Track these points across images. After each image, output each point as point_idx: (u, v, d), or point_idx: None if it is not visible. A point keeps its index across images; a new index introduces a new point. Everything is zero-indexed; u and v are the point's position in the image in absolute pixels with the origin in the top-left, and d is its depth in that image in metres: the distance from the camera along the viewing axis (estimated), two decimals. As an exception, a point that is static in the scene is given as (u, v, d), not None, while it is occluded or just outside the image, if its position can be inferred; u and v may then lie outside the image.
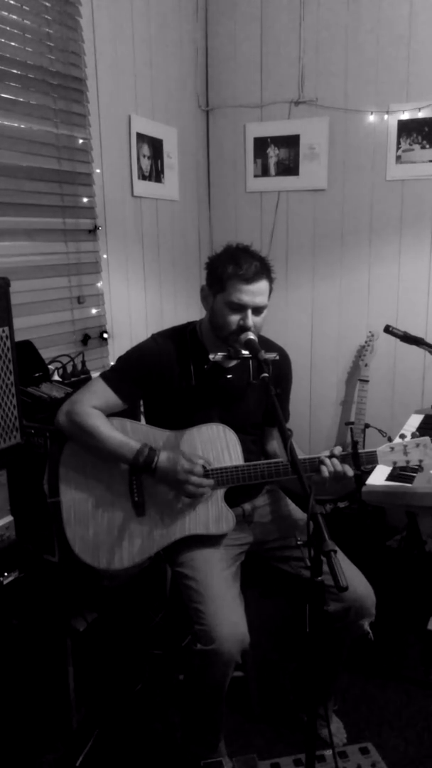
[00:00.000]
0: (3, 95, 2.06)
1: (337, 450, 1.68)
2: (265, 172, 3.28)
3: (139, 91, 2.75)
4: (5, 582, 1.73)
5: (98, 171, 2.51)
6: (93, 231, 2.50)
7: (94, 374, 2.05)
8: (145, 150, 2.80)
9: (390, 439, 1.78)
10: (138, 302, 2.88)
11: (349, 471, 1.67)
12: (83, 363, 2.33)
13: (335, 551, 1.18)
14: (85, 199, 2.45)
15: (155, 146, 2.87)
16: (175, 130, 3.04)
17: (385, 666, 2.32)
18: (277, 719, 2.09)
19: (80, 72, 2.36)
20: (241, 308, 1.69)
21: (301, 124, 3.15)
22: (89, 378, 2.23)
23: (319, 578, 1.27)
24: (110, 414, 1.76)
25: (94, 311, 2.56)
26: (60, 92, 2.28)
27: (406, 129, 2.95)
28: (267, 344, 1.88)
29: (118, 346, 2.61)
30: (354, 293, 3.23)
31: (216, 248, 2.10)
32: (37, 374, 2.07)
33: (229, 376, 1.84)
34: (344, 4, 2.96)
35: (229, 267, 1.69)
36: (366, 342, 3.12)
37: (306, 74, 3.10)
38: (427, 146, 2.93)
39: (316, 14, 3.02)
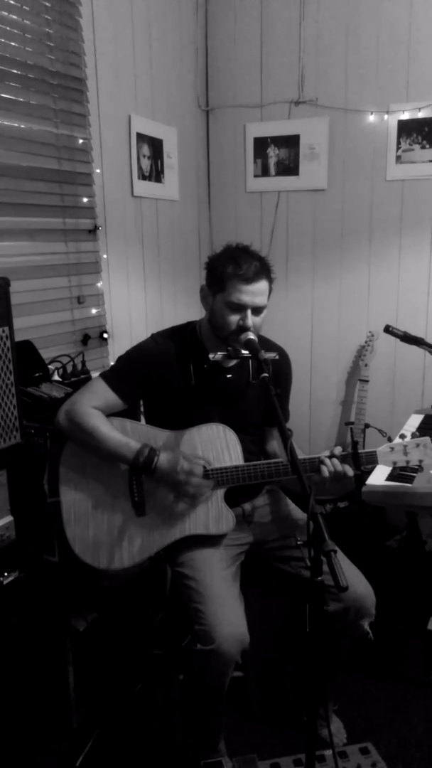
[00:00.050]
0: (3, 95, 2.06)
1: (337, 450, 1.68)
2: (265, 172, 3.28)
3: (139, 91, 2.75)
4: (5, 582, 1.73)
5: (98, 171, 2.51)
6: (93, 231, 2.50)
7: (94, 374, 2.05)
8: (145, 150, 2.80)
9: (390, 439, 1.78)
10: (138, 302, 2.88)
11: (349, 471, 1.67)
12: (83, 363, 2.33)
13: (335, 551, 1.18)
14: (85, 199, 2.45)
15: (155, 146, 2.87)
16: (175, 130, 3.04)
17: (385, 666, 2.31)
18: (277, 719, 2.09)
19: (80, 72, 2.36)
20: (240, 308, 1.69)
21: (301, 124, 3.15)
22: (89, 378, 2.23)
23: (319, 578, 1.27)
24: (110, 414, 1.76)
25: (94, 311, 2.56)
26: (60, 92, 2.28)
27: (406, 129, 2.95)
28: (267, 344, 1.88)
29: (118, 346, 2.61)
30: (354, 293, 3.23)
31: (216, 248, 2.10)
32: (37, 374, 2.07)
33: (228, 376, 1.84)
34: (344, 4, 2.96)
35: (229, 267, 1.69)
36: (366, 342, 3.12)
37: (306, 74, 3.10)
38: (427, 146, 2.93)
39: (316, 14, 3.02)
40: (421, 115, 2.89)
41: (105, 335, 2.60)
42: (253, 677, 2.08)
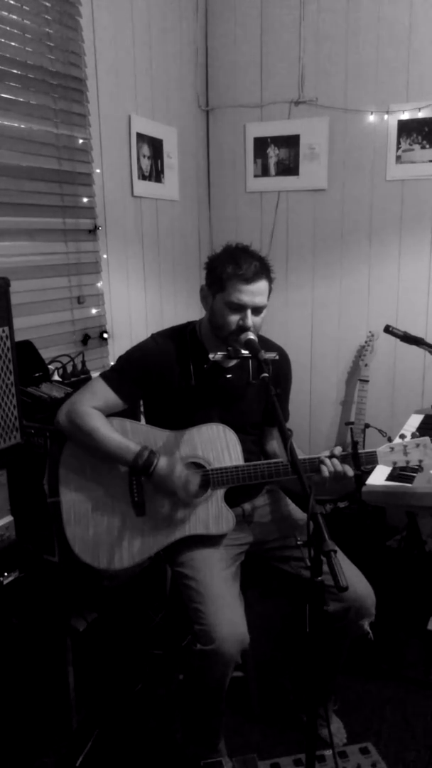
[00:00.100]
0: (3, 95, 2.06)
1: (337, 450, 1.68)
2: (265, 172, 3.28)
3: (139, 91, 2.75)
4: (5, 582, 1.73)
5: (98, 171, 2.51)
6: (93, 231, 2.50)
7: (94, 374, 2.05)
8: (145, 150, 2.80)
9: (390, 439, 1.78)
10: (138, 302, 2.88)
11: (349, 471, 1.67)
12: (83, 363, 2.33)
13: (335, 551, 1.18)
14: (85, 199, 2.45)
15: (155, 146, 2.87)
16: (175, 130, 3.04)
17: (385, 666, 2.31)
18: (277, 719, 2.09)
19: (80, 72, 2.36)
20: (240, 308, 1.69)
21: (301, 124, 3.15)
22: (89, 378, 2.23)
23: (319, 578, 1.27)
24: (110, 414, 1.76)
25: (94, 311, 2.56)
26: (60, 92, 2.28)
27: (406, 129, 2.95)
28: (267, 344, 1.88)
29: (118, 346, 2.61)
30: (354, 293, 3.23)
31: (216, 248, 2.10)
32: (37, 374, 2.07)
33: (228, 376, 1.84)
34: (344, 4, 2.96)
35: (229, 267, 1.69)
36: (366, 342, 3.12)
37: (306, 74, 3.10)
38: (427, 146, 2.93)
39: (316, 14, 3.02)
40: (421, 115, 2.90)
41: (105, 335, 2.60)
42: (253, 677, 2.08)
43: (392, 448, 1.73)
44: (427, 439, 1.72)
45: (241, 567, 1.84)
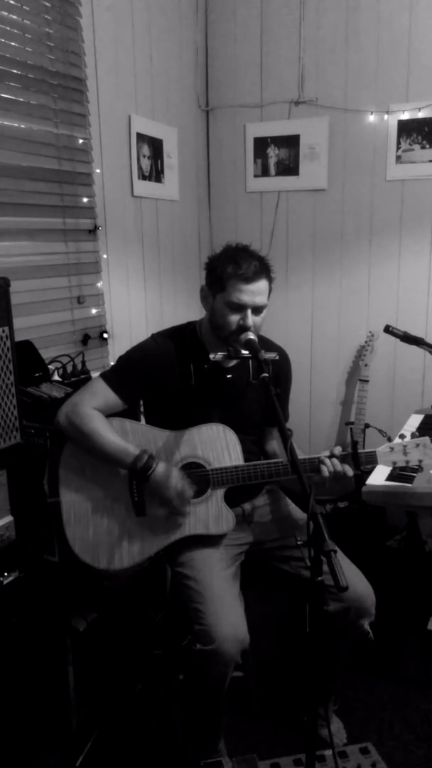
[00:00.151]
0: (3, 95, 2.06)
1: (337, 450, 1.68)
2: (265, 172, 3.28)
3: (139, 91, 2.75)
4: (5, 582, 1.73)
5: (98, 171, 2.51)
6: (93, 231, 2.50)
7: (94, 374, 2.05)
8: (145, 150, 2.80)
9: (390, 439, 1.78)
10: (138, 302, 2.88)
11: (349, 471, 1.67)
12: (83, 363, 2.33)
13: (335, 551, 1.18)
14: (85, 199, 2.45)
15: (155, 146, 2.87)
16: (175, 130, 3.04)
17: (385, 666, 2.31)
18: (277, 719, 2.09)
19: (80, 72, 2.36)
20: (240, 308, 1.69)
21: (301, 124, 3.15)
22: (89, 378, 2.23)
23: (319, 578, 1.26)
24: (110, 414, 1.76)
25: (94, 311, 2.56)
26: (60, 92, 2.28)
27: (406, 129, 2.95)
28: (267, 344, 1.88)
29: (118, 346, 2.61)
30: (354, 293, 3.23)
31: (216, 248, 2.10)
32: (37, 374, 2.07)
33: (229, 376, 1.84)
34: (344, 4, 2.96)
35: (229, 267, 1.69)
36: (366, 342, 3.12)
37: (306, 74, 3.10)
38: (427, 146, 2.93)
39: (316, 14, 3.02)
40: (421, 115, 2.89)
41: (105, 335, 2.60)
42: (253, 677, 2.08)
43: (392, 448, 1.73)
44: (426, 439, 1.72)
45: (241, 567, 1.84)
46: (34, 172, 2.22)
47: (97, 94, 2.47)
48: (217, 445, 1.76)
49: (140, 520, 1.75)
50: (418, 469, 1.98)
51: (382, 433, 2.81)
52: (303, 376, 3.37)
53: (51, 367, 2.20)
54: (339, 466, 1.66)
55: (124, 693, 2.16)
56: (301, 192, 3.24)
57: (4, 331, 1.59)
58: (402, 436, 1.76)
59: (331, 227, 3.22)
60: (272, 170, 3.26)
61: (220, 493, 1.76)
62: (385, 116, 2.97)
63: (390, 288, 3.15)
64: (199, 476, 1.75)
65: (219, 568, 1.73)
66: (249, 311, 1.69)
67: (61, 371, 2.25)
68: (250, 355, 1.65)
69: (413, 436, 1.75)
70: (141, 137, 2.76)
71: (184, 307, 3.20)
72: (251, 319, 1.70)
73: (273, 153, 3.24)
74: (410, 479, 1.99)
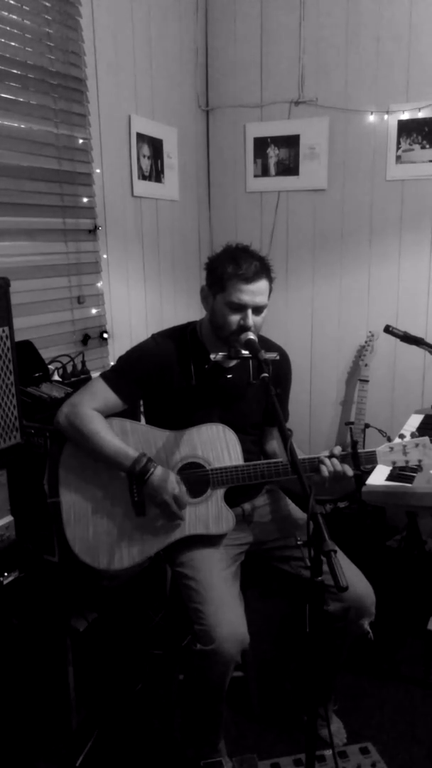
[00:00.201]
0: (3, 95, 2.06)
1: (337, 450, 1.68)
2: (265, 172, 3.28)
3: (139, 91, 2.75)
4: (5, 582, 1.73)
5: (98, 171, 2.51)
6: (93, 231, 2.50)
7: (94, 374, 2.05)
8: (145, 150, 2.80)
9: (389, 439, 1.78)
10: (138, 302, 2.88)
11: (349, 471, 1.67)
12: (83, 363, 2.33)
13: (335, 551, 1.18)
14: (85, 199, 2.45)
15: (155, 146, 2.87)
16: (175, 130, 3.04)
17: (385, 666, 2.31)
18: (277, 719, 2.09)
19: (80, 72, 2.36)
20: (241, 308, 1.69)
21: (301, 124, 3.15)
22: (89, 378, 2.23)
23: (319, 578, 1.26)
24: (110, 414, 1.76)
25: (94, 311, 2.56)
26: (60, 92, 2.28)
27: (406, 129, 2.95)
28: (267, 344, 1.88)
29: (118, 346, 2.61)
30: (354, 293, 3.23)
31: (216, 248, 2.10)
32: (37, 374, 2.07)
33: (229, 376, 1.84)
34: (344, 3, 2.96)
35: (229, 267, 1.68)
36: (366, 342, 3.12)
37: (306, 74, 3.10)
38: (427, 146, 2.93)
39: (316, 14, 3.02)
40: (421, 115, 2.89)
41: (105, 335, 2.60)
42: (253, 677, 2.08)
43: (391, 448, 1.73)
44: (426, 438, 1.72)
45: (241, 567, 1.84)
46: (34, 172, 2.22)
47: (97, 94, 2.47)
48: (217, 445, 1.76)
49: (140, 520, 1.75)
50: (418, 469, 1.98)
51: (382, 433, 2.81)
52: (303, 376, 3.37)
53: (51, 367, 2.20)
54: (339, 466, 1.66)
55: (124, 693, 2.16)
56: (301, 192, 3.24)
57: (4, 331, 1.59)
58: (401, 436, 1.76)
59: (331, 227, 3.22)
60: (272, 170, 3.26)
61: (220, 493, 1.76)
62: (385, 116, 2.97)
63: (390, 288, 3.15)
64: (199, 476, 1.75)
65: (219, 568, 1.73)
66: (249, 311, 1.69)
67: (61, 371, 2.25)
68: (250, 355, 1.65)
69: (413, 435, 1.75)
70: (141, 137, 2.76)
71: (184, 307, 3.20)
72: (252, 319, 1.69)
73: (273, 153, 3.24)
74: (410, 479, 1.99)
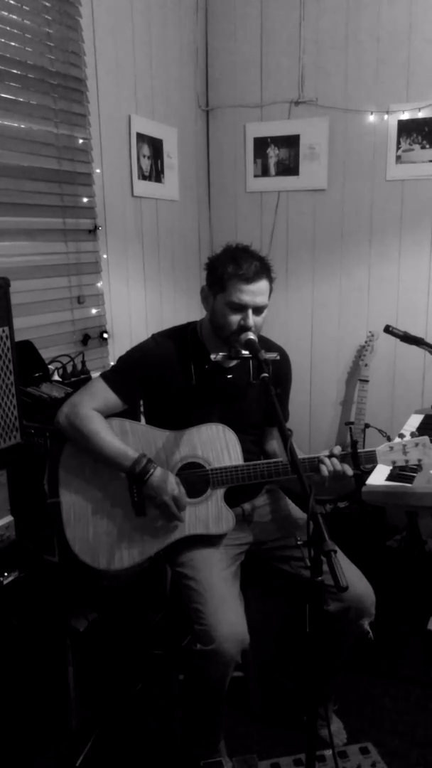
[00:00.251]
0: (3, 95, 2.06)
1: (337, 450, 1.68)
2: (265, 172, 3.28)
3: (139, 91, 2.75)
4: (5, 582, 1.73)
5: (98, 171, 2.51)
6: (93, 231, 2.50)
7: (94, 374, 2.05)
8: (145, 150, 2.80)
9: (389, 439, 1.78)
10: (138, 302, 2.88)
11: (349, 470, 1.67)
12: (83, 363, 2.33)
13: (335, 551, 1.18)
14: (85, 199, 2.45)
15: (155, 146, 2.87)
16: (175, 130, 3.04)
17: (385, 666, 2.31)
18: (277, 719, 2.09)
19: (80, 72, 2.36)
20: (241, 308, 1.69)
21: (301, 124, 3.15)
22: (89, 378, 2.23)
23: (319, 578, 1.26)
24: (110, 414, 1.76)
25: (94, 311, 2.56)
26: (60, 92, 2.28)
27: (406, 129, 2.95)
28: (267, 344, 1.88)
29: (118, 346, 2.61)
30: (354, 293, 3.23)
31: (216, 248, 2.10)
32: (37, 374, 2.07)
33: (229, 376, 1.84)
34: (344, 3, 2.96)
35: (229, 267, 1.68)
36: (366, 342, 3.12)
37: (306, 74, 3.10)
38: (427, 146, 2.93)
39: (316, 14, 3.02)
40: (421, 115, 2.90)
41: (105, 335, 2.60)
42: (253, 677, 2.08)
43: (391, 448, 1.73)
44: (426, 438, 1.72)
45: (241, 567, 1.84)
46: (34, 172, 2.22)
47: (97, 94, 2.47)
48: (217, 445, 1.76)
49: (140, 520, 1.75)
50: (418, 468, 1.98)
51: (382, 433, 2.81)
52: (303, 376, 3.37)
53: (51, 367, 2.20)
54: (338, 466, 1.66)
55: (124, 693, 2.16)
56: (301, 192, 3.24)
57: (4, 331, 1.59)
58: (401, 436, 1.76)
59: (331, 227, 3.22)
60: (272, 170, 3.26)
61: (219, 493, 1.76)
62: (385, 116, 2.97)
63: (390, 288, 3.15)
64: (199, 476, 1.75)
65: (219, 568, 1.73)
66: (250, 311, 1.69)
67: (61, 371, 2.25)
68: (250, 356, 1.65)
69: (413, 435, 1.75)
70: (141, 137, 2.76)
71: (184, 307, 3.20)
72: (252, 319, 1.69)
73: (273, 153, 3.24)
74: (410, 479, 1.99)
